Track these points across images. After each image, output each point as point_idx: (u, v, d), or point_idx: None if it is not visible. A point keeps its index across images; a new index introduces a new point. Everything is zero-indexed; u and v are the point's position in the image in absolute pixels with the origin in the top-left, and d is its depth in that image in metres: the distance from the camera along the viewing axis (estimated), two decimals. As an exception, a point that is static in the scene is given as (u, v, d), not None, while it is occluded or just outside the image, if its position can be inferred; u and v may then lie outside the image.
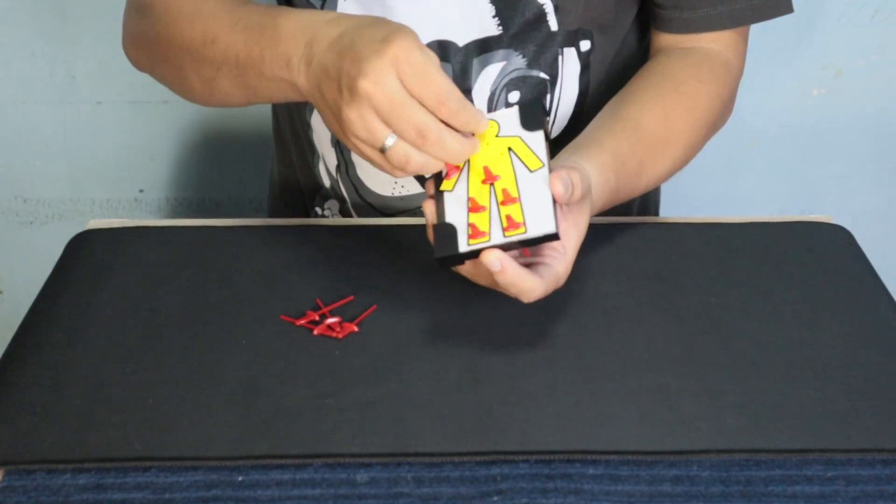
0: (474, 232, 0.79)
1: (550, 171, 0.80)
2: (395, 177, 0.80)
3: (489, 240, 0.78)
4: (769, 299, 0.90)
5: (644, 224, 1.01)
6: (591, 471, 0.74)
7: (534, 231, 0.78)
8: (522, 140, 0.83)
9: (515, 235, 0.78)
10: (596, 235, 0.92)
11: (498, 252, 0.78)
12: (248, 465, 0.74)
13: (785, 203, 1.60)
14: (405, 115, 0.77)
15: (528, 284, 0.79)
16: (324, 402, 0.79)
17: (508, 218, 0.78)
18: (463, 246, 0.79)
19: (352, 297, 0.88)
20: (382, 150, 0.79)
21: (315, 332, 0.85)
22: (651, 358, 0.83)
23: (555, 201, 0.79)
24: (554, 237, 0.78)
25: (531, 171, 0.81)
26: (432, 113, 0.77)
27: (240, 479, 0.73)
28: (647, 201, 1.21)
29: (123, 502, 0.72)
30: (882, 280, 0.94)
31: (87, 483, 0.73)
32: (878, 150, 1.57)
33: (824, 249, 0.98)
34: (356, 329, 0.85)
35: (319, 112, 0.84)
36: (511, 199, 0.80)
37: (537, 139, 0.83)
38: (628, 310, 0.89)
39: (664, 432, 0.76)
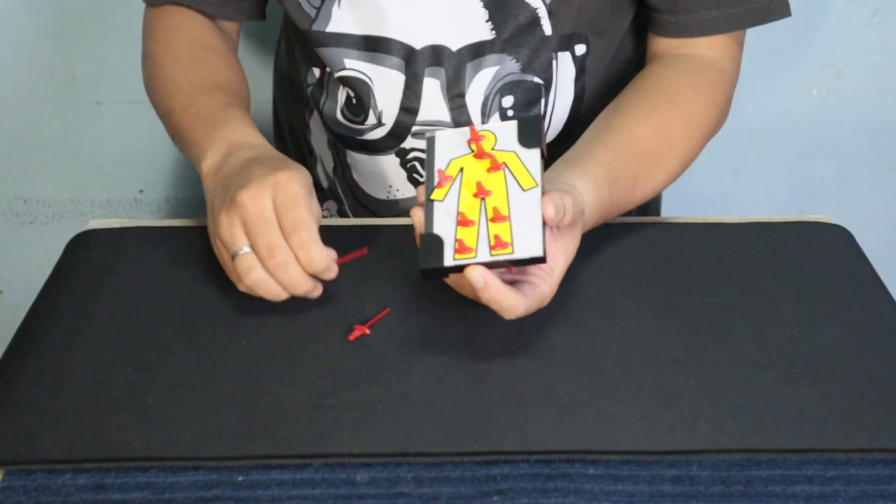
0: (461, 247, 0.79)
1: (543, 192, 0.80)
2: (238, 287, 0.86)
3: (475, 256, 0.78)
4: (769, 299, 0.90)
5: (644, 224, 1.01)
6: (591, 471, 0.74)
7: (521, 252, 0.78)
8: (518, 156, 0.83)
9: (502, 255, 0.78)
10: (596, 235, 0.92)
11: (482, 269, 0.78)
12: (248, 465, 0.74)
13: (785, 203, 1.60)
14: (264, 231, 0.83)
15: (510, 302, 0.80)
16: (324, 402, 0.79)
17: (496, 237, 0.78)
18: (448, 260, 0.79)
19: (388, 310, 0.88)
20: (234, 257, 0.85)
21: (350, 338, 0.85)
22: (651, 358, 0.83)
23: (545, 223, 0.79)
24: (540, 260, 0.78)
25: (524, 191, 0.81)
26: (286, 238, 0.83)
27: (240, 479, 0.73)
28: (648, 202, 1.21)
29: (123, 502, 0.72)
30: (882, 280, 0.94)
31: (87, 483, 0.73)
32: (878, 150, 1.56)
33: (824, 249, 0.98)
34: (367, 331, 0.86)
35: (207, 207, 0.91)
36: (501, 217, 0.80)
37: (533, 157, 0.83)
38: (628, 310, 0.89)
39: (664, 432, 0.76)
